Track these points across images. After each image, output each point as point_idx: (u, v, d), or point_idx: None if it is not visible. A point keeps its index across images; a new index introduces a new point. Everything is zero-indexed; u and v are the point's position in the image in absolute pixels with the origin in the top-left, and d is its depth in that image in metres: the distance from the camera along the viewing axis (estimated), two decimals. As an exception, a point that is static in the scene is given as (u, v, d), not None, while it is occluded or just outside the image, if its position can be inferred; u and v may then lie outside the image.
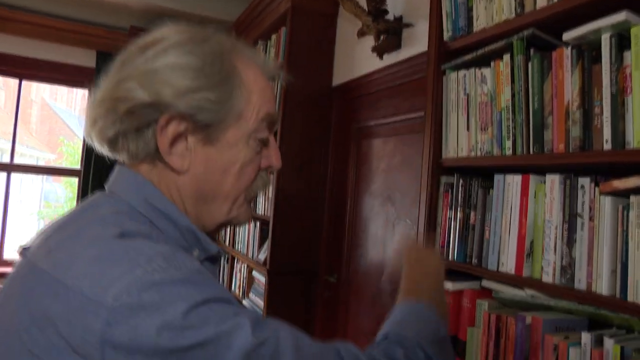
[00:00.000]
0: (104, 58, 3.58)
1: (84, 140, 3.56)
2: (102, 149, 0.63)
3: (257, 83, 0.65)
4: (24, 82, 3.60)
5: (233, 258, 3.20)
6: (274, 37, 2.81)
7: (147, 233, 0.55)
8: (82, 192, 3.54)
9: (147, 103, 0.57)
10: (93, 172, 3.50)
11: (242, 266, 2.97)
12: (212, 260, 0.66)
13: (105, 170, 3.49)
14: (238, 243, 3.09)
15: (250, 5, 2.95)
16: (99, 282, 0.47)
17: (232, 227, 3.21)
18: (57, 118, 11.57)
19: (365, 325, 2.22)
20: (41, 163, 9.52)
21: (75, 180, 3.73)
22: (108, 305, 0.45)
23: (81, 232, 0.54)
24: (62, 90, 12.39)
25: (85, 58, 3.61)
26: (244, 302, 2.86)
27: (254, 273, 2.83)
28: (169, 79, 0.58)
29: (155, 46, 0.60)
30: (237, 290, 3.06)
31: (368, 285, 2.23)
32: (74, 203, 3.66)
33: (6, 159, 3.59)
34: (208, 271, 0.64)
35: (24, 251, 0.58)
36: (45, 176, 9.61)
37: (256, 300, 2.71)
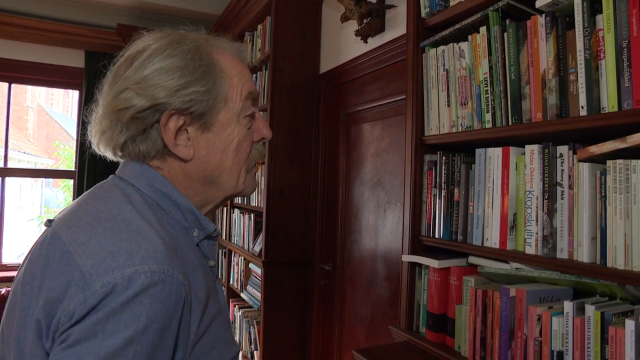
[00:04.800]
0: (93, 58, 3.57)
1: (79, 142, 3.56)
2: (112, 156, 0.71)
3: (235, 67, 0.72)
4: (19, 88, 3.60)
5: (230, 252, 3.20)
6: (259, 27, 2.79)
7: (153, 221, 0.63)
8: (78, 193, 3.54)
9: (146, 107, 0.65)
10: (87, 172, 3.49)
11: (239, 259, 2.97)
12: (210, 238, 0.74)
13: (99, 170, 3.49)
14: (234, 236, 3.09)
15: (235, -4, 2.93)
16: (98, 267, 0.55)
17: (227, 221, 3.21)
18: (54, 123, 11.56)
19: (361, 310, 2.22)
20: (37, 168, 9.51)
21: (71, 183, 3.73)
22: (94, 290, 0.53)
23: (101, 211, 0.62)
24: (57, 95, 12.37)
25: (73, 59, 3.60)
26: (242, 294, 2.86)
27: (251, 265, 2.82)
28: (160, 82, 0.65)
29: (140, 56, 0.67)
30: (235, 284, 3.06)
31: (363, 271, 2.23)
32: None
33: (0, 165, 3.58)
34: (208, 249, 0.73)
35: (48, 222, 0.66)
36: (45, 182, 9.61)
37: (254, 292, 2.71)
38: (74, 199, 3.60)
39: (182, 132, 0.68)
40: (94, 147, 0.71)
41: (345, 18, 2.12)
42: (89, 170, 3.49)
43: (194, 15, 3.60)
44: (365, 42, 2.10)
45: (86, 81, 3.54)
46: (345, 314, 2.34)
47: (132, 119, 0.65)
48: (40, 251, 0.61)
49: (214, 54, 0.70)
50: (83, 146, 3.51)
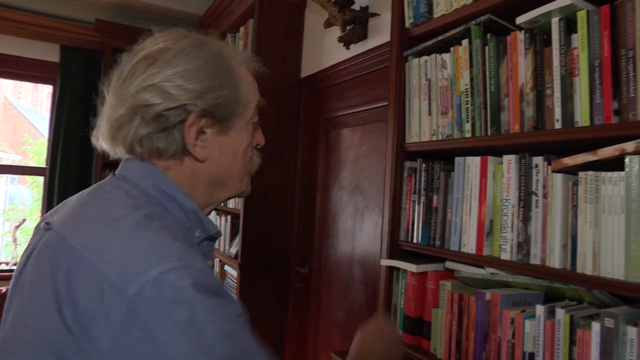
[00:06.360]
0: (69, 52, 3.49)
1: (51, 138, 3.46)
2: (124, 152, 0.70)
3: (248, 76, 0.75)
4: (-16, 79, 3.47)
5: (205, 253, 3.17)
6: (242, 29, 2.80)
7: (162, 222, 0.62)
8: (49, 191, 3.44)
9: (173, 107, 0.65)
10: (60, 170, 3.40)
11: (215, 261, 2.95)
12: (211, 239, 0.75)
13: (72, 167, 3.41)
14: (210, 238, 3.06)
15: (218, -3, 2.93)
16: (125, 274, 0.54)
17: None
18: (22, 117, 11.18)
19: (336, 315, 2.24)
20: (5, 164, 9.14)
21: (41, 180, 3.62)
22: (130, 295, 0.53)
23: (107, 213, 0.62)
24: (26, 89, 11.97)
25: (48, 52, 3.51)
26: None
27: (226, 267, 2.81)
28: (187, 83, 0.66)
29: (163, 55, 0.67)
30: (209, 286, 3.03)
31: (339, 275, 2.25)
32: (41, 204, 3.55)
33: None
34: (207, 249, 0.75)
35: (46, 224, 0.65)
36: (9, 178, 9.27)
37: (229, 294, 2.69)
38: (44, 196, 3.49)
39: (200, 134, 0.69)
40: (100, 141, 0.70)
41: (328, 24, 2.15)
42: (62, 168, 3.40)
43: (175, 14, 3.57)
44: (348, 48, 2.14)
45: (61, 76, 3.46)
46: (320, 317, 2.36)
47: (157, 116, 0.65)
48: (44, 256, 0.60)
49: (232, 61, 0.73)
50: (56, 142, 3.42)
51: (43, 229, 0.65)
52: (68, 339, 0.54)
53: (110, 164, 3.55)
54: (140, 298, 0.53)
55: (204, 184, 0.73)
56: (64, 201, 0.74)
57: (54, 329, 0.55)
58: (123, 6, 3.53)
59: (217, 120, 0.70)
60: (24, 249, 0.70)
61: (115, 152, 0.70)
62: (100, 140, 0.70)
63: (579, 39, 0.96)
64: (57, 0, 3.46)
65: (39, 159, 7.03)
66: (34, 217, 4.78)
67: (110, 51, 3.52)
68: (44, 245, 0.62)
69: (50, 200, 3.44)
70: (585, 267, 0.94)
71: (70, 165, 3.41)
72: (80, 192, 0.72)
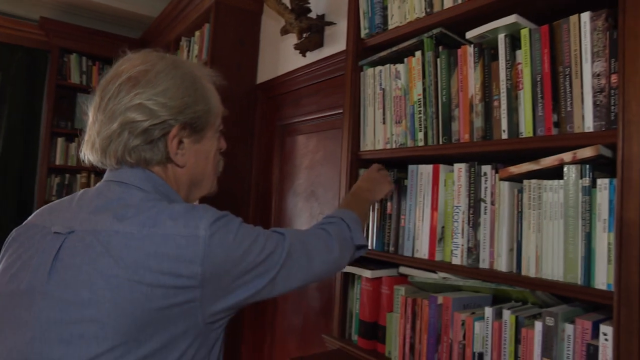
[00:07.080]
0: (9, 51, 3.30)
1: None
2: (113, 163, 0.78)
3: (214, 91, 0.88)
4: None
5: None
6: (197, 33, 2.76)
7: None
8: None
9: (157, 123, 0.76)
10: (-2, 175, 3.21)
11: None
12: None
13: (14, 173, 3.22)
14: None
15: (173, 0, 2.87)
16: (189, 226, 0.70)
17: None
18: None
19: (292, 321, 2.23)
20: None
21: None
22: (202, 235, 0.69)
23: (139, 207, 0.72)
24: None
25: (-14, 50, 3.31)
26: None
27: (179, 275, 2.74)
28: (169, 100, 0.77)
29: (146, 76, 0.77)
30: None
31: (295, 281, 2.25)
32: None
33: None
34: None
35: (65, 228, 0.72)
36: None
37: (181, 303, 2.63)
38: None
39: (180, 143, 0.81)
40: (87, 153, 0.79)
41: (285, 31, 2.16)
42: (1, 172, 3.19)
43: (126, 15, 3.46)
44: (304, 56, 2.15)
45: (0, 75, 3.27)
46: (277, 323, 2.35)
47: (143, 131, 0.76)
48: (92, 253, 0.67)
49: (202, 79, 0.84)
50: None
51: (62, 234, 0.71)
52: (163, 301, 0.66)
53: (56, 169, 3.39)
54: (210, 234, 0.70)
55: (185, 186, 0.86)
56: (47, 208, 0.81)
57: (147, 299, 0.65)
58: (71, 4, 3.39)
59: (194, 131, 0.82)
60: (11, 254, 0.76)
61: (104, 163, 0.79)
62: (87, 153, 0.80)
63: (523, 55, 1.02)
64: (-3, -4, 3.27)
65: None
66: (-33, 225, 4.46)
67: (57, 51, 3.37)
68: (84, 245, 0.69)
69: (-13, 207, 3.23)
70: (529, 269, 0.99)
71: (10, 170, 3.23)
72: (74, 197, 0.79)
